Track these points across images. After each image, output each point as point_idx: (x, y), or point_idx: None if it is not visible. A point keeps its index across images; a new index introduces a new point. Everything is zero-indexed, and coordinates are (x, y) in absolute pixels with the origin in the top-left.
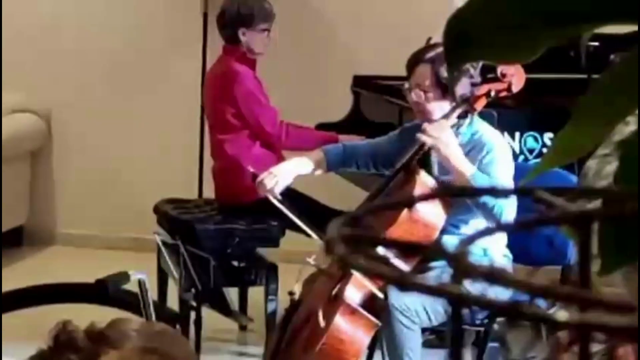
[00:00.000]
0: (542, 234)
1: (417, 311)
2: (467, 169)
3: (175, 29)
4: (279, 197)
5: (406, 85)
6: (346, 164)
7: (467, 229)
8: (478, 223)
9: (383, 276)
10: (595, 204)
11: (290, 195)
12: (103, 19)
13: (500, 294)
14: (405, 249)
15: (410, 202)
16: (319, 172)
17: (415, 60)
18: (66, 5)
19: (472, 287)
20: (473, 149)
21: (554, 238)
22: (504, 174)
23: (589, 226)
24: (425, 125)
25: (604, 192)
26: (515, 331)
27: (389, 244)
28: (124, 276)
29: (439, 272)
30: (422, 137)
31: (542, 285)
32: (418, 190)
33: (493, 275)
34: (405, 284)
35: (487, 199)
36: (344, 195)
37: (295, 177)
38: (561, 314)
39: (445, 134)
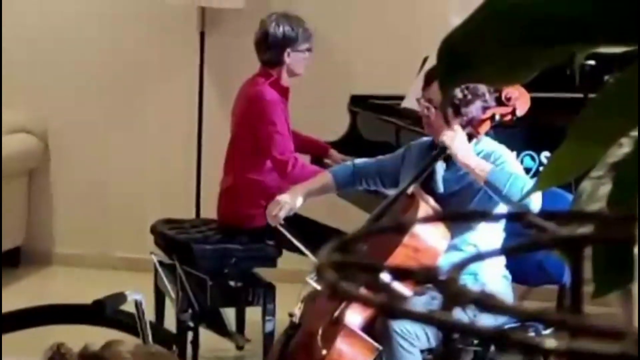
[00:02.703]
0: (533, 257)
1: (417, 334)
2: (486, 166)
3: (172, 47)
4: (282, 221)
5: (419, 96)
6: (355, 182)
7: (469, 247)
8: (478, 239)
9: (371, 304)
10: (588, 227)
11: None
12: (99, 38)
13: (492, 318)
14: (397, 274)
15: (401, 227)
16: (328, 193)
17: (433, 75)
18: (61, 23)
19: (464, 312)
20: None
21: (543, 261)
22: (520, 170)
23: (580, 251)
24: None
25: (596, 216)
26: (508, 356)
27: (379, 269)
28: (121, 297)
29: (428, 297)
30: (442, 139)
31: (533, 312)
32: (421, 215)
33: (483, 302)
34: (393, 311)
35: (513, 190)
36: (344, 215)
37: (300, 201)
38: (549, 342)
39: (462, 137)
